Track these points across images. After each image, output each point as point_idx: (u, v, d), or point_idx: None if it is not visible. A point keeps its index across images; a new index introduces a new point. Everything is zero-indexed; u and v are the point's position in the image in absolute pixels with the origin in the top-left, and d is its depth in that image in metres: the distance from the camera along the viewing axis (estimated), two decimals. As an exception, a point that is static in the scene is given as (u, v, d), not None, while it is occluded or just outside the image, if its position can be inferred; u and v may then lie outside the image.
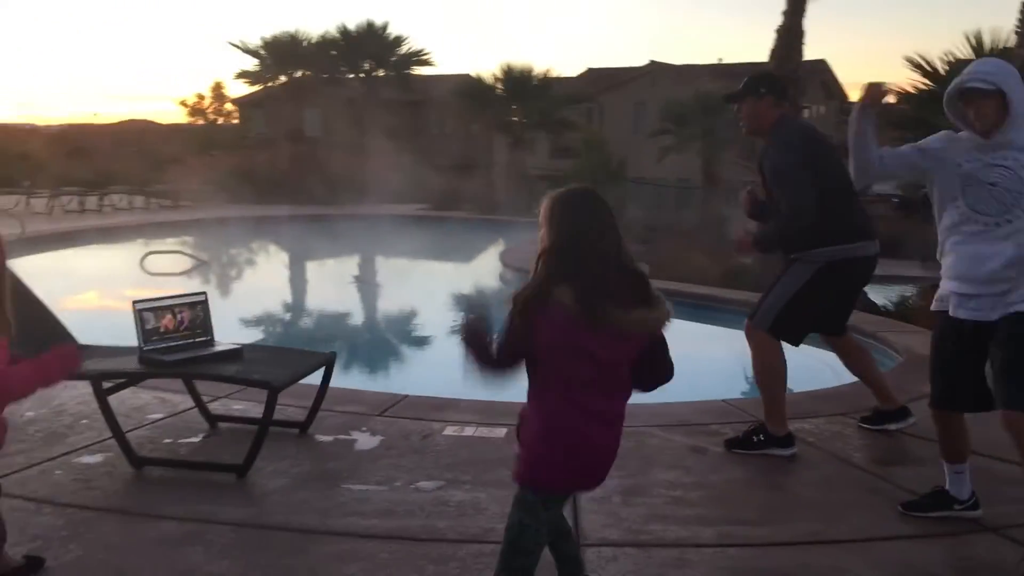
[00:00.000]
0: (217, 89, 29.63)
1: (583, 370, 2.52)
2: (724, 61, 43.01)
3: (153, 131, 38.24)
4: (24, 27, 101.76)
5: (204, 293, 4.78)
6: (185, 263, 12.72)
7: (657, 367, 2.65)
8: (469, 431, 4.91)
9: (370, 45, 26.25)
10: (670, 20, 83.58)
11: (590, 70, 49.56)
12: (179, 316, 4.56)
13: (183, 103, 29.96)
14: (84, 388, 4.56)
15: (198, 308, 4.65)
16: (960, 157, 3.50)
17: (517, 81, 24.70)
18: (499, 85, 24.83)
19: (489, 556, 3.40)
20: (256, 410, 5.00)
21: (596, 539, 3.59)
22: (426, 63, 27.15)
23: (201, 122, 29.62)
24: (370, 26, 26.26)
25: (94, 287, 10.62)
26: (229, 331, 6.18)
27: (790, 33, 14.86)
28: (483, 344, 2.59)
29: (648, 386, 2.70)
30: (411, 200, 22.95)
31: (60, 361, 2.90)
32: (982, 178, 3.43)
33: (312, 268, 15.79)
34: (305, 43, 26.18)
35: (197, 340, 4.59)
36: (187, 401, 5.09)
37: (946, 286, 3.58)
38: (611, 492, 4.07)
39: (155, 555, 3.40)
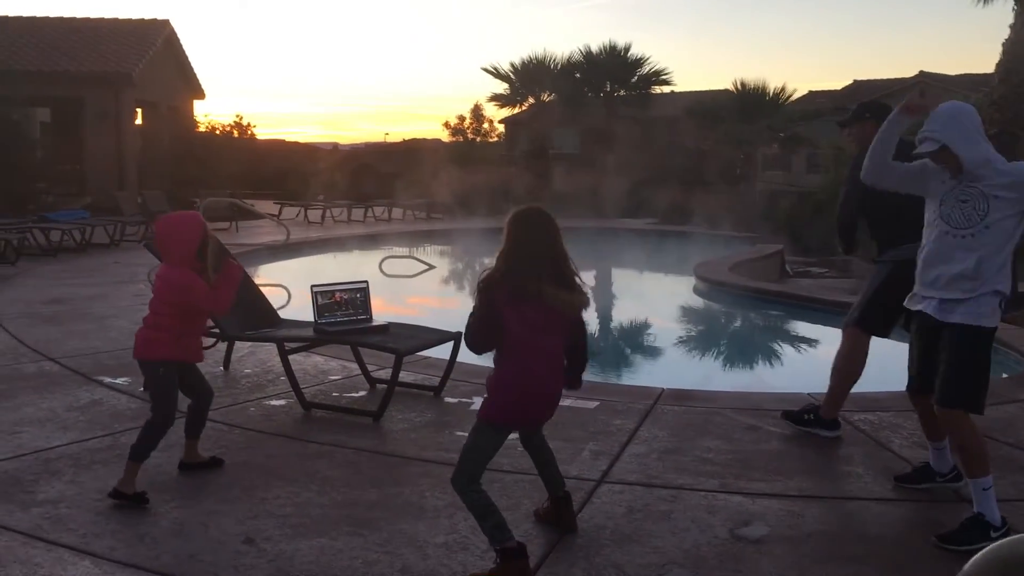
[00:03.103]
0: (476, 111, 32.16)
1: (525, 333, 3.50)
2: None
3: (427, 149, 41.75)
4: (335, 60, 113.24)
5: (366, 281, 6.15)
6: (417, 267, 14.55)
7: (576, 352, 3.68)
8: (567, 402, 5.92)
9: (612, 66, 27.55)
10: (949, 29, 78.02)
11: (856, 82, 47.98)
12: (345, 298, 5.96)
13: (446, 124, 32.70)
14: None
15: (359, 293, 6.03)
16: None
17: (749, 97, 24.98)
18: (733, 101, 25.23)
19: (527, 483, 4.47)
20: (409, 377, 6.36)
21: (616, 479, 4.53)
22: (666, 83, 28.06)
23: (460, 140, 32.23)
24: (612, 48, 27.59)
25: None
26: (437, 320, 7.60)
27: (1017, 46, 14.30)
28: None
29: (572, 373, 3.73)
30: (644, 214, 23.93)
31: (230, 270, 4.51)
32: (956, 196, 4.00)
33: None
34: (551, 66, 27.94)
35: (358, 317, 5.97)
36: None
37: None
38: (653, 451, 4.98)
39: (294, 462, 4.76)
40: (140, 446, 4.26)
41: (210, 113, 31.53)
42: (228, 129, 32.94)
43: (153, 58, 24.63)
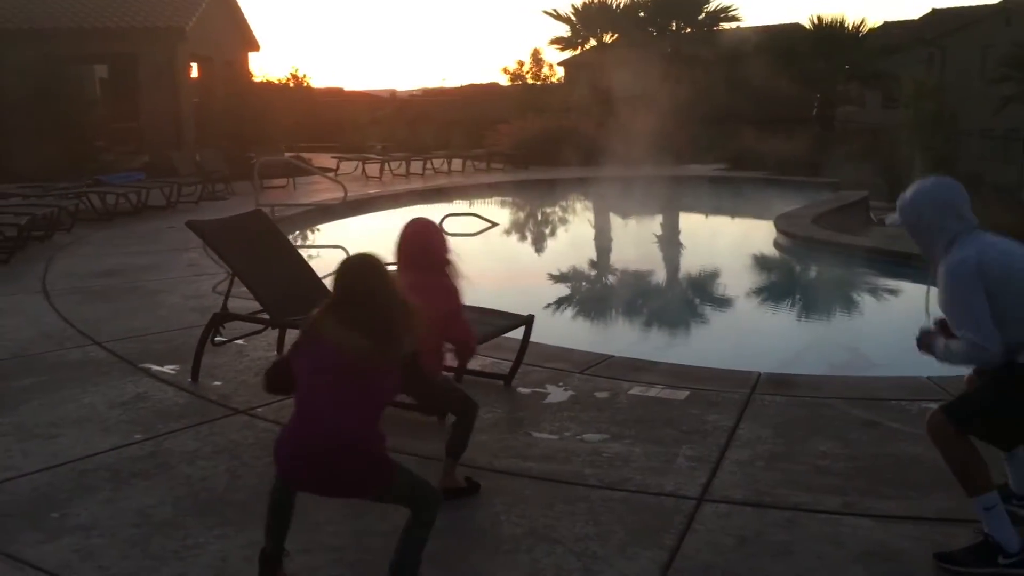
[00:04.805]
0: (536, 55, 31.22)
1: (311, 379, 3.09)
2: (1100, -9, 37.71)
3: (487, 93, 40.79)
4: (389, 9, 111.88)
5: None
6: (479, 224, 13.95)
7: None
8: (653, 392, 5.31)
9: (677, 4, 26.31)
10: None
11: (935, 11, 45.59)
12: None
13: (505, 70, 31.84)
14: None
15: (421, 273, 5.44)
16: None
17: (827, 33, 23.58)
18: (809, 37, 23.87)
19: (616, 502, 3.88)
20: (475, 363, 5.75)
21: (719, 496, 3.91)
22: (734, 19, 26.73)
23: (520, 84, 31.39)
24: (677, -15, 26.35)
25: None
26: (503, 288, 6.96)
27: None
28: None
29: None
30: (713, 160, 22.91)
31: None
32: None
33: (588, 232, 16.41)
34: (614, 6, 26.81)
35: (419, 300, 5.38)
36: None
37: None
38: (758, 456, 4.34)
39: (351, 474, 4.22)
40: None
41: (265, 71, 30.92)
42: (284, 83, 32.47)
43: (206, 11, 24.15)
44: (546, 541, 3.53)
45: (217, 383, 5.61)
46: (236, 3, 27.44)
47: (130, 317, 7.49)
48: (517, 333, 5.62)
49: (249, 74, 29.61)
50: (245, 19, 28.07)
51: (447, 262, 4.05)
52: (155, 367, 6.00)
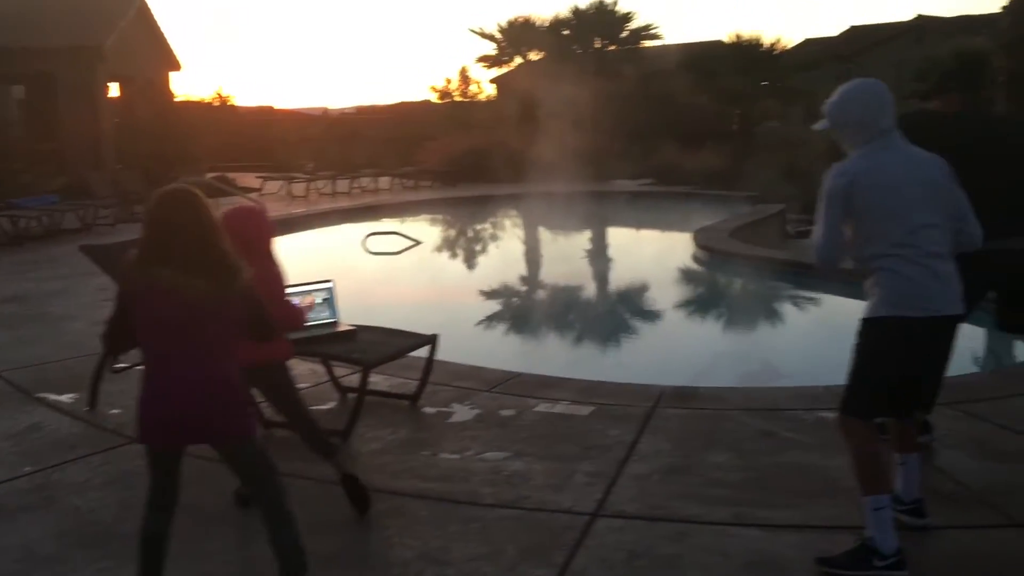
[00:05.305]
0: (463, 73, 31.34)
1: (157, 332, 3.00)
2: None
3: (419, 111, 40.58)
4: (319, 28, 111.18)
5: (331, 281, 5.51)
6: (401, 243, 13.87)
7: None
8: (558, 408, 5.33)
9: (600, 23, 26.68)
10: (947, -34, 75.88)
11: (853, 28, 46.88)
12: (307, 301, 5.33)
13: (433, 88, 31.92)
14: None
15: (324, 294, 5.40)
16: None
17: (745, 50, 24.14)
18: (728, 54, 24.43)
19: (511, 520, 3.88)
20: (382, 383, 5.75)
21: (613, 511, 3.94)
22: (655, 36, 27.23)
23: (447, 101, 31.45)
24: (600, 4, 26.72)
25: (318, 265, 11.83)
26: (419, 307, 6.79)
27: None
28: None
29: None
30: (639, 175, 23.15)
31: None
32: None
33: (509, 249, 16.42)
34: (539, 25, 27.09)
35: (322, 322, 5.34)
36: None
37: None
38: (655, 471, 4.38)
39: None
40: None
41: (188, 93, 30.44)
42: (209, 102, 32.01)
43: (125, 30, 23.73)
44: (437, 563, 3.51)
45: (115, 411, 5.49)
46: (156, 22, 27.01)
47: (31, 345, 7.28)
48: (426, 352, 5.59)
49: (171, 93, 29.09)
50: (165, 38, 27.63)
51: (268, 248, 3.92)
52: (52, 396, 5.84)
